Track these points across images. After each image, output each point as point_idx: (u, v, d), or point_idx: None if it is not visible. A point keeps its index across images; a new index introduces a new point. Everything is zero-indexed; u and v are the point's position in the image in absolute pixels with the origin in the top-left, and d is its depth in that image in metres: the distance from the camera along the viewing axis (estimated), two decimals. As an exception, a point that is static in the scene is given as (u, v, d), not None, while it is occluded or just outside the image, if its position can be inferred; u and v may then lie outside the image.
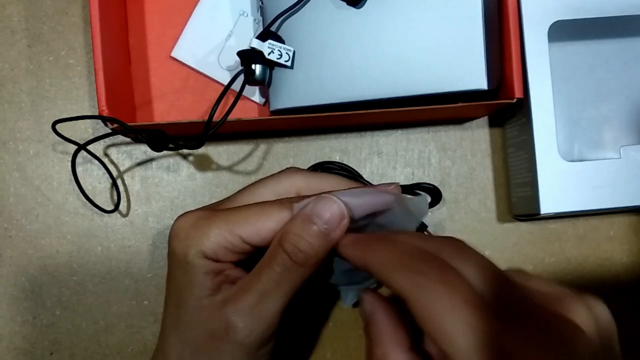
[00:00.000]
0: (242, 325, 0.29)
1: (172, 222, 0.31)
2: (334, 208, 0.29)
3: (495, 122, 0.44)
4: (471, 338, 0.21)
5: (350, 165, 0.43)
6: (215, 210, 0.32)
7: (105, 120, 0.35)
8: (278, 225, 0.29)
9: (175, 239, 0.31)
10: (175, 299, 0.31)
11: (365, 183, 0.42)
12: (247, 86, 0.36)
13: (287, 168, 0.35)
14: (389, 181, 0.43)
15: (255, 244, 0.30)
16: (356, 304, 0.40)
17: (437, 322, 0.22)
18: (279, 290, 0.29)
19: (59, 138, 0.37)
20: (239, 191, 0.34)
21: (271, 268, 0.29)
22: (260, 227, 0.29)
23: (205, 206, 0.34)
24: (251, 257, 0.31)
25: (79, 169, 0.41)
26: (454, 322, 0.22)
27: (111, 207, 0.42)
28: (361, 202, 0.30)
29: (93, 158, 0.41)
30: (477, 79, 0.36)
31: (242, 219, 0.30)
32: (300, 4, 0.37)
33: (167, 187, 0.43)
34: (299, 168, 0.35)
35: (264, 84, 0.38)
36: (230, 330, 0.29)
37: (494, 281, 0.24)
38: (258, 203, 0.31)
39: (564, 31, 0.41)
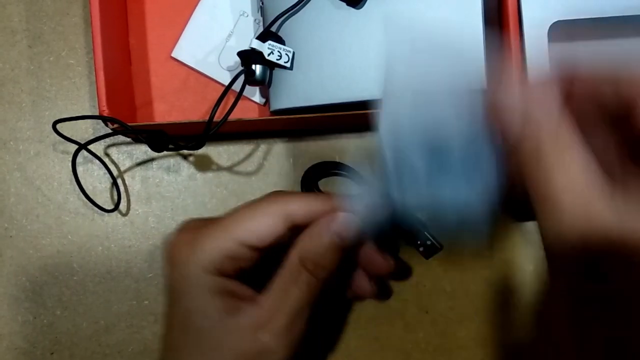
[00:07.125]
0: (280, 347, 0.29)
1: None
2: (350, 222, 0.30)
3: (495, 122, 0.44)
4: None
5: (350, 165, 0.43)
6: (207, 222, 0.31)
7: (105, 120, 0.36)
8: (274, 221, 0.30)
9: (170, 265, 0.30)
10: (184, 325, 0.30)
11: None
12: (247, 86, 0.37)
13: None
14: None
15: (254, 245, 0.30)
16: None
17: None
18: (307, 307, 0.30)
19: (60, 138, 0.37)
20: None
21: (297, 288, 0.29)
22: (256, 226, 0.29)
23: (195, 223, 0.33)
24: (249, 271, 0.31)
25: (79, 169, 0.41)
26: None
27: (111, 207, 0.42)
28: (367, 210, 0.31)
29: (94, 158, 0.41)
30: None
31: (235, 222, 0.30)
32: (301, 4, 0.37)
33: (168, 187, 0.43)
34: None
35: (264, 84, 0.38)
36: (265, 353, 0.29)
37: None
38: (247, 204, 0.31)
39: (564, 31, 0.41)
